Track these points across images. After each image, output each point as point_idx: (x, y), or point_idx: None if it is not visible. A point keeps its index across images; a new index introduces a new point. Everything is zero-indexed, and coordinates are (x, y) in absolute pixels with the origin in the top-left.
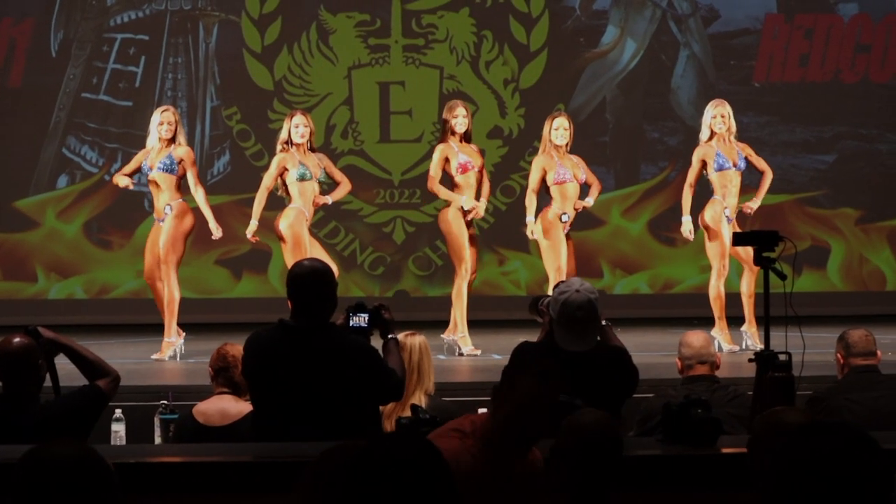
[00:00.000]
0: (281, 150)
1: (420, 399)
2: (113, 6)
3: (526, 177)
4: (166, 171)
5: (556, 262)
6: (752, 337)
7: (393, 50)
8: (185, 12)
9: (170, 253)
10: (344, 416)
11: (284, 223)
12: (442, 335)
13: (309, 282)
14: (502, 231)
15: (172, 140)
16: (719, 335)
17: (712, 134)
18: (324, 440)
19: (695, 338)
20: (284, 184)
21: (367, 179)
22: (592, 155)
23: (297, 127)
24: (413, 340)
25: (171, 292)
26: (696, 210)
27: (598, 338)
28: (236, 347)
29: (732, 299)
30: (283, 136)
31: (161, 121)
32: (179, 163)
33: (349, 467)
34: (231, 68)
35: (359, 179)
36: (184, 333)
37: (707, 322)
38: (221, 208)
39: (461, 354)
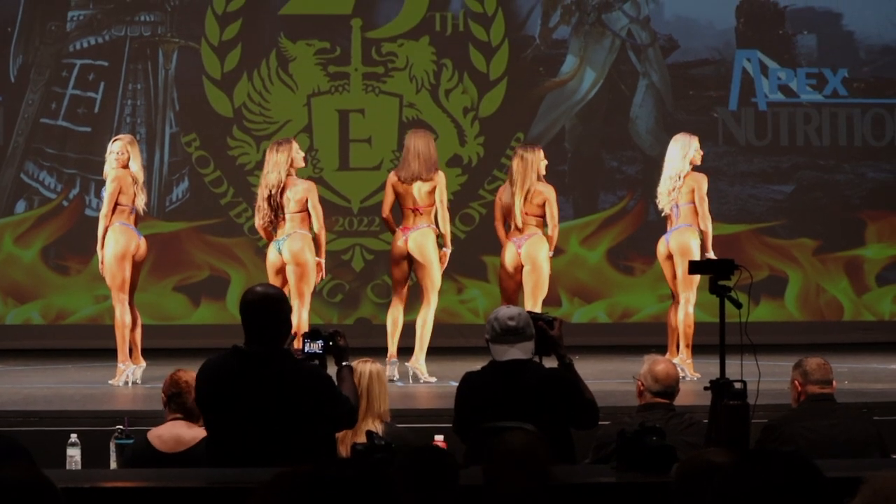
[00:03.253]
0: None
1: (373, 425)
2: (72, 32)
3: (485, 205)
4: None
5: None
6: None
7: (353, 78)
8: (145, 39)
9: (107, 278)
10: (297, 442)
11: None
12: (406, 363)
13: (262, 307)
14: (461, 259)
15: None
16: (684, 363)
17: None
18: (277, 465)
19: (663, 372)
20: (283, 210)
21: (326, 207)
22: (551, 183)
23: (298, 151)
24: (364, 367)
25: (115, 316)
26: (653, 237)
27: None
28: (189, 374)
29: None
30: (300, 163)
31: (110, 150)
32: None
33: (298, 491)
34: (190, 95)
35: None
36: (143, 363)
37: (664, 349)
38: (179, 235)
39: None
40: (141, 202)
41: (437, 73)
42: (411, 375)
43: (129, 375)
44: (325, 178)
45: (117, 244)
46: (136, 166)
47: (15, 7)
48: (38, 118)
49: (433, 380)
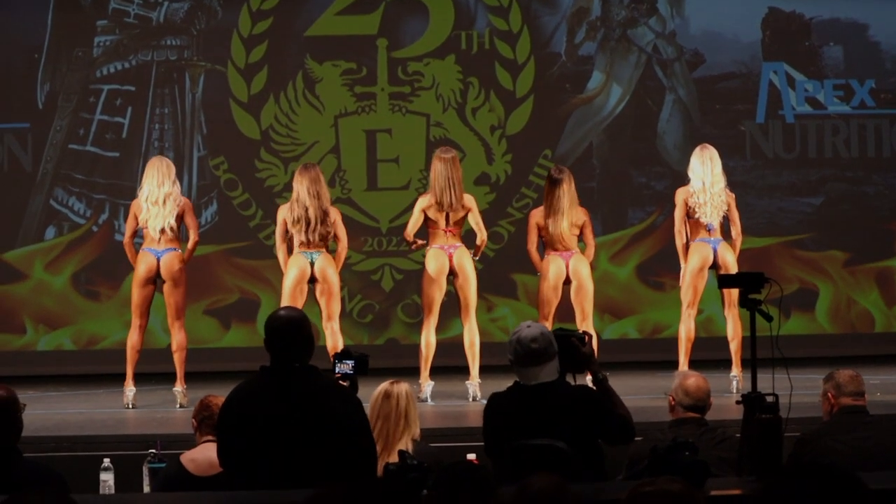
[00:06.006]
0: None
1: (407, 445)
2: (99, 57)
3: (514, 223)
4: None
5: None
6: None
7: (379, 98)
8: (171, 63)
9: None
10: (332, 457)
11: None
12: (468, 382)
13: (291, 328)
14: (490, 277)
15: None
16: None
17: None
18: (311, 485)
19: (694, 386)
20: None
21: (354, 227)
22: (579, 200)
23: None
24: (399, 388)
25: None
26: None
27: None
28: (219, 399)
29: (705, 343)
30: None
31: None
32: None
33: None
34: (217, 118)
35: (347, 227)
36: (133, 387)
37: (695, 364)
38: (209, 258)
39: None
40: (154, 223)
41: (463, 92)
42: (472, 395)
43: (129, 398)
44: (353, 199)
45: (136, 270)
46: (141, 187)
47: (42, 34)
48: (67, 144)
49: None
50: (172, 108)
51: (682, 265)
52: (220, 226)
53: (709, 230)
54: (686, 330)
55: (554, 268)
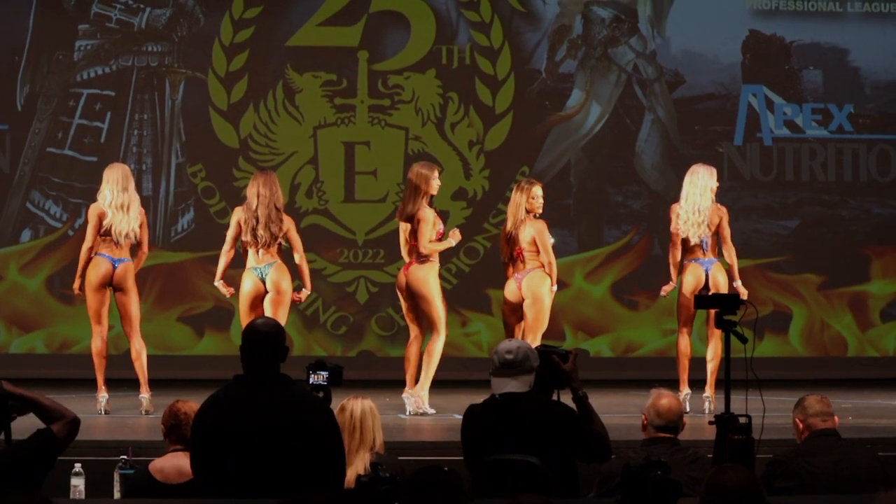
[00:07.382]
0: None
1: (365, 457)
2: (80, 61)
3: (489, 239)
4: None
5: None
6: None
7: (359, 110)
8: (152, 69)
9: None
10: (306, 467)
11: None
12: (403, 394)
13: (266, 339)
14: (465, 292)
15: None
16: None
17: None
18: (285, 494)
19: (666, 407)
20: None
21: (331, 239)
22: (556, 218)
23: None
24: (355, 402)
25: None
26: (657, 272)
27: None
28: (188, 404)
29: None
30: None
31: None
32: None
33: None
34: (197, 125)
35: (323, 239)
36: (106, 393)
37: (668, 384)
38: (185, 265)
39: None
40: (120, 228)
41: (443, 106)
42: (409, 410)
43: (101, 404)
44: (330, 210)
45: (88, 276)
46: (101, 192)
47: (22, 36)
48: (45, 147)
49: (432, 411)
50: (152, 115)
51: (672, 278)
52: (197, 233)
53: (703, 251)
54: (684, 345)
55: (509, 290)
